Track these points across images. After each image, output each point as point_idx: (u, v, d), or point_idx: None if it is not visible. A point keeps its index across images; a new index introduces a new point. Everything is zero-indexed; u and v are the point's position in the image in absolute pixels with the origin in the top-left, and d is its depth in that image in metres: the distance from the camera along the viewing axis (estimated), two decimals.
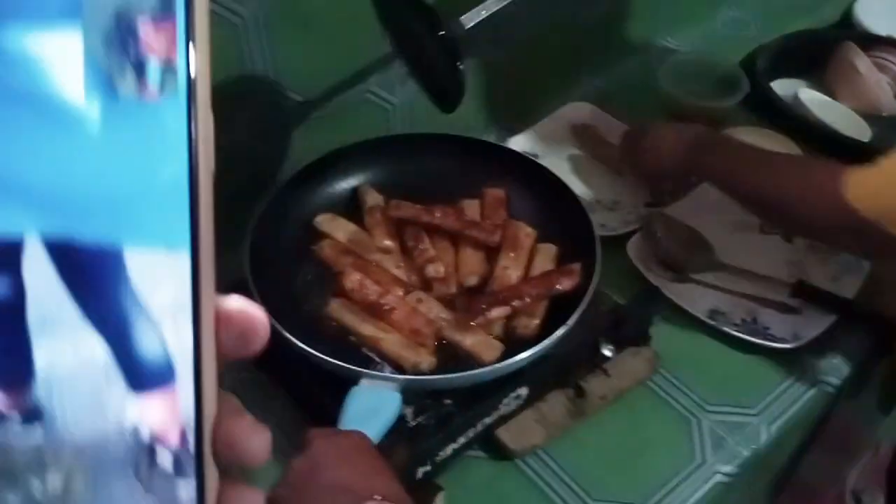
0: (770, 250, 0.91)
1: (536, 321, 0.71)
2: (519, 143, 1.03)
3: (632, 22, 1.15)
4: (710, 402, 0.77)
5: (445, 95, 0.75)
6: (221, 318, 0.21)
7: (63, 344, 0.20)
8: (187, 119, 0.20)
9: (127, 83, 0.19)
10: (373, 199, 0.83)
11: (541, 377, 0.71)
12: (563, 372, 0.73)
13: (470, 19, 0.71)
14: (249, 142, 0.83)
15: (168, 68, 0.20)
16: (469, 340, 0.69)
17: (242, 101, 0.80)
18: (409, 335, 0.70)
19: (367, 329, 0.70)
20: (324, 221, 0.80)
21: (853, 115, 1.13)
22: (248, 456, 0.21)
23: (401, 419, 0.64)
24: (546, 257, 0.78)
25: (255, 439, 0.21)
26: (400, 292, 0.72)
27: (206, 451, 0.20)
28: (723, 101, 1.10)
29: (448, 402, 0.67)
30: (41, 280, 0.20)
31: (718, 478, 0.72)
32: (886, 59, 1.15)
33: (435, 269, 0.75)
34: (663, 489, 0.71)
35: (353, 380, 0.63)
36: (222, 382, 0.21)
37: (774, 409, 0.77)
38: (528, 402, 0.72)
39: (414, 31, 0.73)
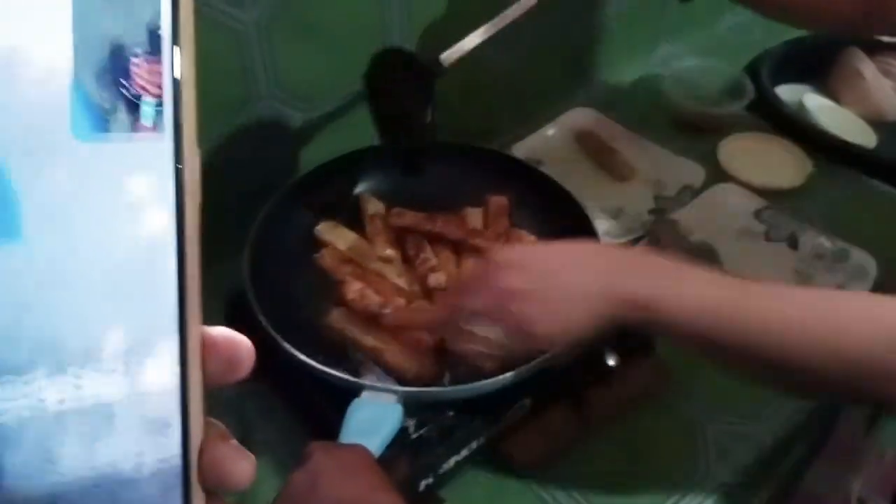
0: (776, 257, 0.91)
1: None
2: (522, 150, 1.03)
3: (636, 28, 1.14)
4: (714, 412, 0.76)
5: (412, 157, 0.75)
6: (207, 346, 0.22)
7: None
8: (175, 155, 0.20)
9: (116, 120, 0.20)
10: (374, 207, 0.82)
11: (544, 388, 0.70)
12: (567, 383, 0.73)
13: (449, 57, 0.71)
14: (250, 149, 0.83)
15: (156, 106, 0.20)
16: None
17: (243, 107, 0.80)
18: (410, 344, 0.69)
19: (368, 340, 0.69)
20: (325, 230, 0.80)
21: (858, 120, 1.12)
22: (232, 480, 0.22)
23: (403, 431, 0.64)
24: None
25: (240, 464, 0.22)
26: (401, 301, 0.72)
27: (193, 476, 0.21)
28: (727, 108, 1.10)
29: (451, 414, 0.66)
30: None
31: (723, 488, 0.71)
32: (891, 65, 1.15)
33: (437, 279, 0.75)
34: (668, 500, 0.70)
35: (354, 392, 0.63)
36: (208, 408, 0.21)
37: (779, 418, 0.76)
38: (532, 414, 0.71)
39: (391, 77, 0.73)
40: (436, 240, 0.79)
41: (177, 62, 0.20)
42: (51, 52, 0.19)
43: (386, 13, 0.84)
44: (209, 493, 0.22)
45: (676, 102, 1.11)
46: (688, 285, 0.55)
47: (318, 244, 0.79)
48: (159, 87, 0.20)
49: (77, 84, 0.19)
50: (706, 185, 0.99)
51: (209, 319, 0.75)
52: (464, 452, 0.67)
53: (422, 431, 0.65)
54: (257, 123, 0.82)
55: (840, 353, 0.51)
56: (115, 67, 0.20)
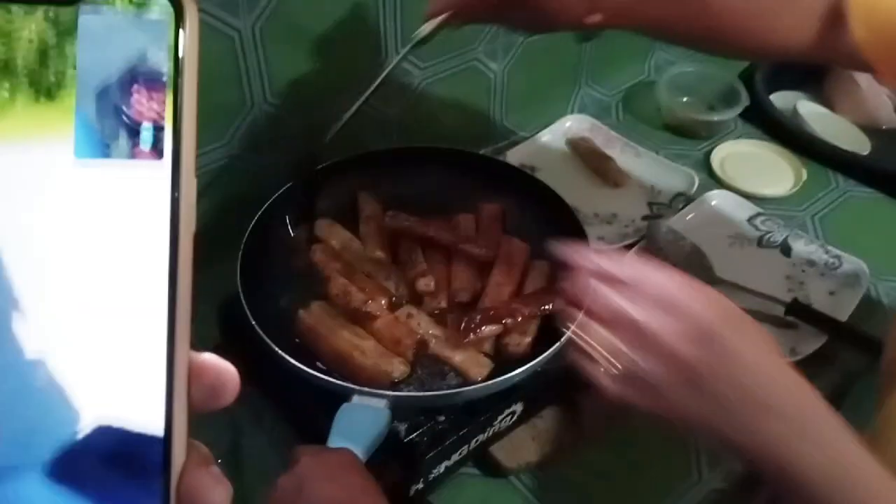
0: (768, 264, 0.91)
1: (528, 339, 0.71)
2: (516, 156, 1.03)
3: (630, 35, 1.15)
4: None
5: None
6: (194, 373, 0.22)
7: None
8: (172, 183, 0.21)
9: (116, 146, 0.20)
10: (371, 208, 0.82)
11: (535, 394, 0.71)
12: (559, 388, 0.73)
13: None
14: (244, 154, 0.83)
15: (155, 133, 0.21)
16: (458, 357, 0.69)
17: (238, 113, 0.80)
18: (389, 344, 0.69)
19: (344, 335, 0.69)
20: (322, 226, 0.80)
21: (852, 127, 1.13)
22: None
23: (394, 436, 0.64)
24: (539, 274, 0.78)
25: (217, 491, 0.22)
26: (383, 301, 0.72)
27: (172, 499, 0.21)
28: (722, 114, 1.10)
29: (441, 418, 0.66)
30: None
31: (714, 495, 0.71)
32: None
33: (425, 283, 0.75)
34: None
35: (345, 397, 0.63)
36: (192, 432, 0.22)
37: None
38: (523, 419, 0.71)
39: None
40: (428, 244, 0.79)
41: (179, 91, 0.21)
42: (54, 77, 0.20)
43: (380, 19, 0.85)
44: None
45: (671, 109, 1.12)
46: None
47: (315, 240, 0.79)
48: (160, 115, 0.20)
49: (80, 109, 0.20)
50: (700, 191, 0.99)
51: (202, 323, 0.74)
52: (454, 458, 0.67)
53: (413, 436, 0.65)
54: (251, 129, 0.82)
55: None
56: (118, 94, 0.20)
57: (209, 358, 0.23)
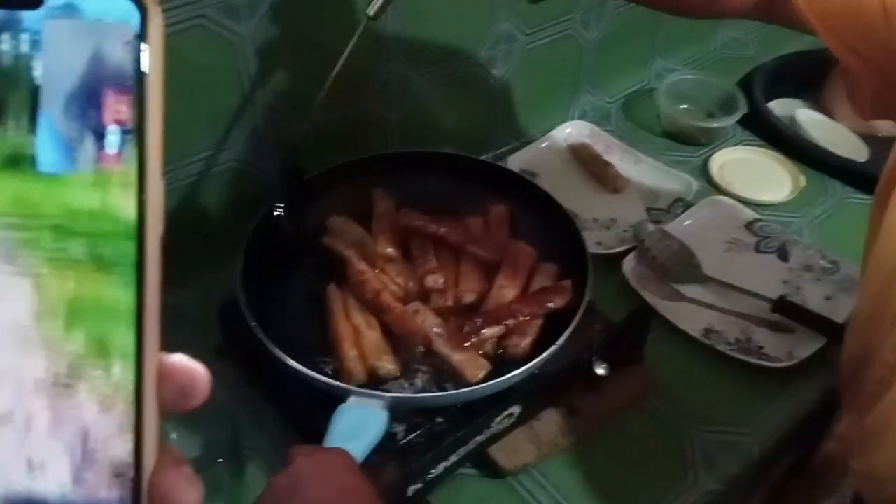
0: (765, 269, 0.91)
1: (528, 339, 0.72)
2: (516, 161, 1.04)
3: (631, 41, 1.16)
4: (702, 421, 0.76)
5: None
6: (164, 374, 0.22)
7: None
8: (138, 187, 0.21)
9: (81, 150, 0.21)
10: (385, 205, 0.83)
11: (534, 395, 0.71)
12: (557, 390, 0.73)
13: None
14: (244, 158, 0.84)
15: (121, 137, 0.21)
16: (457, 357, 0.69)
17: (238, 117, 0.81)
18: (400, 337, 0.70)
19: (355, 318, 0.71)
20: (336, 221, 0.81)
21: (850, 134, 1.13)
22: None
23: (392, 437, 0.64)
24: (545, 277, 0.78)
25: (189, 492, 0.22)
26: (390, 296, 0.73)
27: (143, 499, 0.21)
28: (720, 121, 1.11)
29: (440, 420, 0.67)
30: None
31: (709, 496, 0.71)
32: None
33: (434, 280, 0.76)
34: None
35: (343, 397, 0.63)
36: (162, 434, 0.22)
37: (767, 427, 0.76)
38: (521, 421, 0.72)
39: None
40: (438, 244, 0.80)
41: (145, 95, 0.21)
42: (18, 81, 0.20)
43: (380, 23, 0.86)
44: None
45: (670, 116, 1.12)
46: None
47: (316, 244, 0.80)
48: (126, 118, 0.21)
49: (45, 114, 0.20)
50: (698, 197, 1.00)
51: (203, 325, 0.75)
52: (452, 458, 0.67)
53: (411, 437, 0.65)
54: (252, 133, 0.83)
55: None
56: (83, 98, 0.20)
57: (179, 359, 0.23)
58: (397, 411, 0.65)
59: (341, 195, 0.84)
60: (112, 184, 0.21)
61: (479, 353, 0.71)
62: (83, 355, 0.21)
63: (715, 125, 1.11)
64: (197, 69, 0.74)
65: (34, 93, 0.20)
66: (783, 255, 0.93)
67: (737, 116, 1.10)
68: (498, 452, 0.71)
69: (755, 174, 1.06)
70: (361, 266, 0.75)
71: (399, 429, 0.66)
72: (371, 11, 0.68)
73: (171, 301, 0.83)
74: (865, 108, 0.61)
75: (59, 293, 0.21)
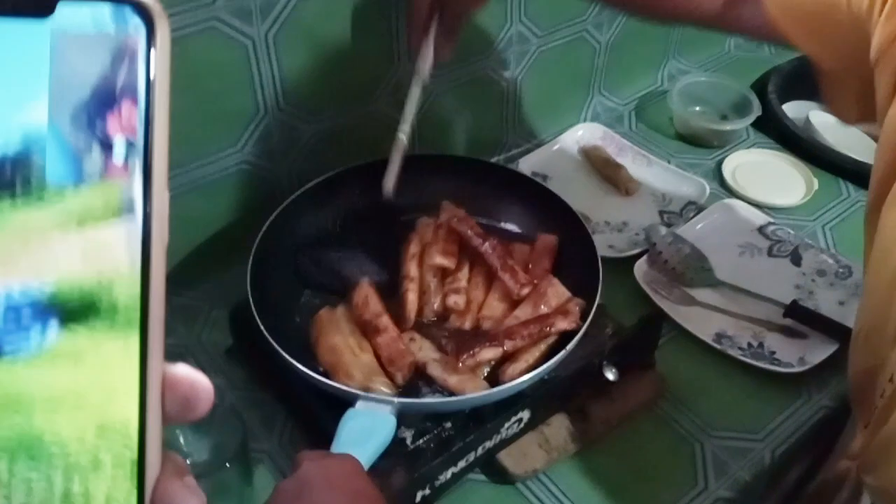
0: (778, 273, 0.91)
1: (522, 366, 0.70)
2: (528, 164, 1.04)
3: (644, 44, 1.15)
4: (714, 427, 0.76)
5: None
6: (167, 385, 0.22)
7: None
8: (143, 198, 0.21)
9: (88, 161, 0.21)
10: (448, 214, 0.81)
11: (543, 400, 0.71)
12: (566, 395, 0.73)
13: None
14: (257, 161, 0.84)
15: (127, 149, 0.21)
16: (453, 380, 0.68)
17: (251, 120, 0.81)
18: (385, 361, 0.69)
19: (350, 340, 0.70)
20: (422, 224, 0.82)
21: (864, 137, 1.12)
22: None
23: (400, 442, 0.64)
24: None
25: (192, 501, 0.22)
26: (389, 320, 0.73)
27: None
28: (734, 124, 1.10)
29: (448, 425, 0.66)
30: None
31: (720, 503, 0.71)
32: None
33: (454, 301, 0.76)
34: None
35: (350, 401, 0.63)
36: (165, 444, 0.22)
37: (779, 434, 0.76)
38: (530, 426, 0.72)
39: None
40: (477, 261, 0.79)
41: (151, 106, 0.21)
42: (26, 94, 0.20)
43: (392, 25, 0.86)
44: None
45: (683, 118, 1.12)
46: None
47: (309, 257, 0.80)
48: (132, 130, 0.21)
49: (52, 124, 0.20)
50: (711, 200, 0.99)
51: (213, 327, 0.75)
52: (461, 464, 0.67)
53: (419, 442, 0.65)
54: (264, 135, 0.83)
55: None
56: (90, 108, 0.20)
57: (183, 370, 0.23)
58: (406, 416, 0.65)
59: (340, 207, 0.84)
60: (118, 193, 0.21)
61: (476, 376, 0.70)
62: (88, 366, 0.21)
63: (728, 128, 1.11)
64: (209, 71, 0.74)
65: (42, 103, 0.20)
66: (796, 259, 0.92)
67: (750, 119, 1.09)
68: (507, 458, 0.71)
69: (768, 177, 1.05)
70: (366, 290, 0.74)
71: (407, 434, 0.66)
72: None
73: (181, 302, 0.84)
74: (849, 112, 0.61)
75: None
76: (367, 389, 0.66)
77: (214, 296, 0.82)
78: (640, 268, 0.89)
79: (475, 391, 0.67)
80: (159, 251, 0.21)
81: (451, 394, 0.68)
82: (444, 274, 0.79)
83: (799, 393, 0.79)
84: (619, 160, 1.05)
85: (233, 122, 0.80)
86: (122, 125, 0.21)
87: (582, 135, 1.10)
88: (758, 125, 1.11)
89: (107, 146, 0.21)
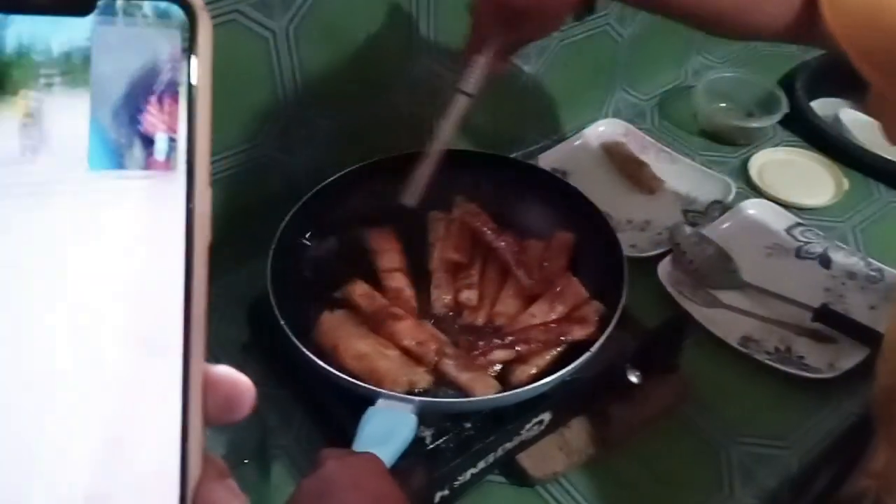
0: (806, 276, 0.89)
1: (532, 371, 0.68)
2: (548, 160, 1.02)
3: (667, 37, 1.13)
4: (739, 433, 0.74)
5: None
6: (209, 386, 0.22)
7: None
8: (186, 195, 0.21)
9: (130, 156, 0.20)
10: (462, 209, 0.81)
11: (564, 403, 0.70)
12: (588, 398, 0.72)
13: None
14: (277, 154, 0.83)
15: (170, 145, 0.20)
16: (465, 377, 0.67)
17: (271, 113, 0.80)
18: (413, 347, 0.69)
19: (367, 345, 0.68)
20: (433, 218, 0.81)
21: None
22: None
23: (420, 442, 0.63)
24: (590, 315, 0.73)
25: None
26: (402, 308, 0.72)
27: None
28: (760, 121, 1.08)
29: (468, 425, 0.65)
30: None
31: None
32: None
33: (467, 297, 0.75)
34: None
35: (372, 400, 0.63)
36: (205, 445, 0.22)
37: (807, 441, 0.74)
38: (551, 428, 0.70)
39: None
40: (490, 256, 0.78)
41: (193, 102, 0.21)
42: (69, 88, 0.20)
43: (413, 18, 0.84)
44: None
45: (708, 115, 1.10)
46: None
47: (335, 252, 0.79)
48: (174, 125, 0.20)
49: (94, 119, 0.20)
50: (736, 199, 0.97)
51: (231, 322, 0.74)
52: (480, 465, 0.66)
53: (439, 442, 0.64)
54: (284, 129, 0.82)
55: None
56: (132, 105, 0.20)
57: (224, 370, 0.22)
58: (426, 416, 0.64)
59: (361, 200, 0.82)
60: (160, 190, 0.20)
61: (488, 374, 0.69)
62: (130, 366, 0.21)
63: (755, 125, 1.08)
64: (230, 64, 0.73)
65: (84, 98, 0.20)
66: (825, 261, 0.90)
67: (778, 116, 1.07)
68: (526, 460, 0.70)
69: (796, 176, 1.03)
70: (363, 287, 0.74)
71: (427, 433, 0.65)
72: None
73: None
74: None
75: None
76: (409, 384, 0.65)
77: (230, 291, 0.81)
78: (664, 268, 0.87)
79: (486, 389, 0.66)
80: (202, 249, 0.21)
81: (461, 390, 0.67)
82: (456, 269, 0.78)
83: (828, 399, 0.77)
84: (642, 157, 1.04)
85: (252, 115, 0.79)
86: (165, 120, 0.20)
87: (603, 131, 1.08)
88: (785, 123, 1.09)
89: (149, 141, 0.20)
